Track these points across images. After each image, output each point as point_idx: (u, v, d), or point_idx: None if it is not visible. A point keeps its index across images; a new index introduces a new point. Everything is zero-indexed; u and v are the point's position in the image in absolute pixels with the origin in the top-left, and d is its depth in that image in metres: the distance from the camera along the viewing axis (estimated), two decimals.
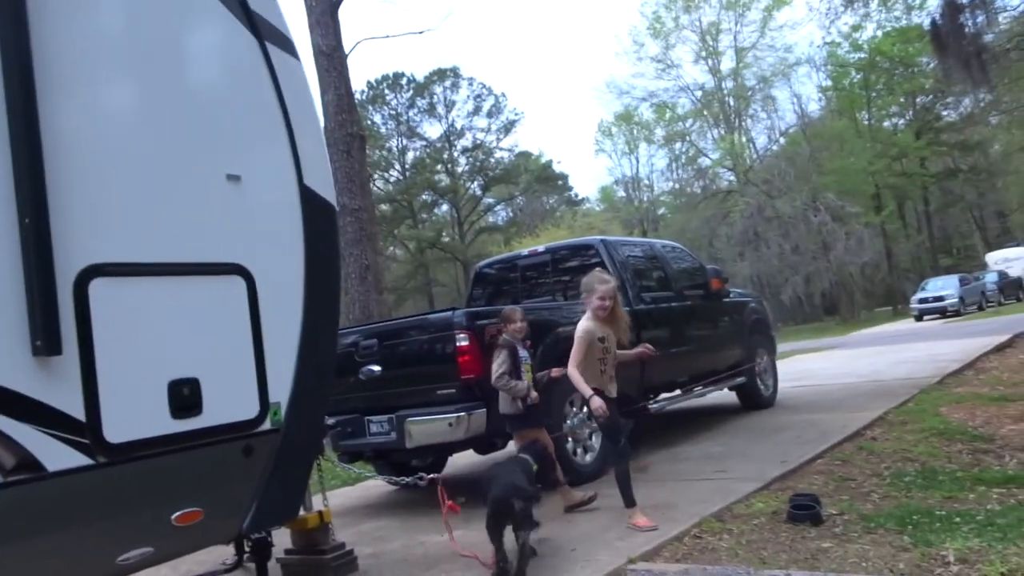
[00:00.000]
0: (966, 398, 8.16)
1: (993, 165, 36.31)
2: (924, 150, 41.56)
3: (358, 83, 50.12)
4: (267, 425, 3.45)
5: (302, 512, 4.21)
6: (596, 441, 6.32)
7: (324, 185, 3.92)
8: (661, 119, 46.97)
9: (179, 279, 3.23)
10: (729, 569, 3.89)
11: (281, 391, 3.53)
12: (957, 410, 7.51)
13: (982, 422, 6.90)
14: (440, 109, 50.89)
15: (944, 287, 30.52)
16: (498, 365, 5.20)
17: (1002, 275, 34.04)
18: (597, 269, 5.41)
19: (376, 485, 7.43)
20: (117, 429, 2.91)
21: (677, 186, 48.92)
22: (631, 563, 4.09)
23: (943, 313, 28.93)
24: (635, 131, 49.52)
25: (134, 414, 2.98)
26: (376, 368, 5.86)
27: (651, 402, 7.64)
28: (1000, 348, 12.89)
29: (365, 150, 12.59)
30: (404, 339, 5.98)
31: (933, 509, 4.47)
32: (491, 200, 54.40)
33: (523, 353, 5.34)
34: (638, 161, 51.41)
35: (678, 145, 46.84)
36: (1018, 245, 37.88)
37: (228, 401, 3.30)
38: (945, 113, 38.43)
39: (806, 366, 13.80)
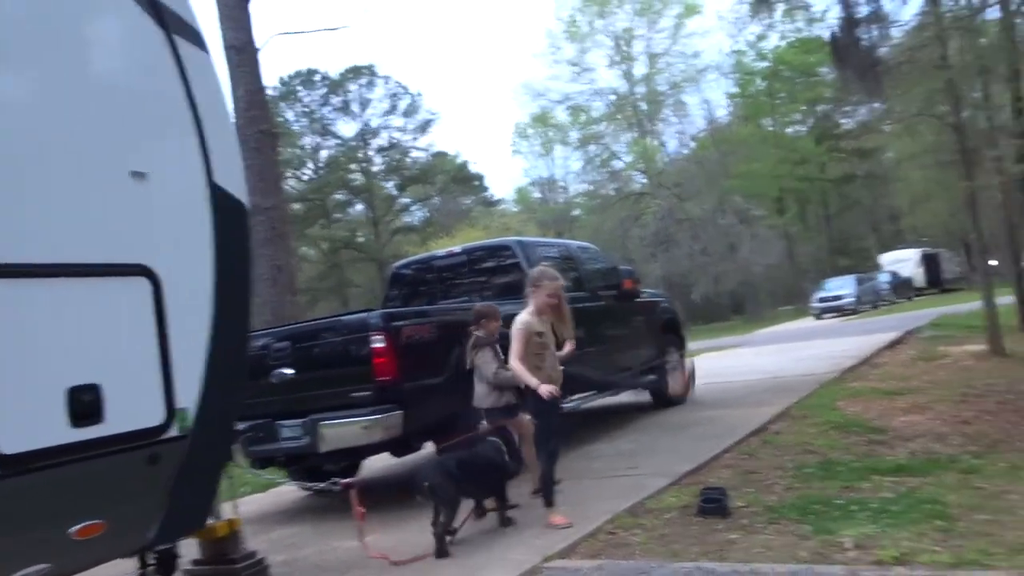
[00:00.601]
0: (862, 392, 8.59)
1: (886, 171, 38.25)
2: (824, 156, 43.53)
3: (270, 79, 48.75)
4: (174, 432, 3.34)
5: (211, 521, 4.09)
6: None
7: (235, 183, 3.82)
8: (576, 122, 47.55)
9: (78, 280, 3.09)
10: (642, 563, 3.99)
11: (189, 396, 3.42)
12: (853, 404, 7.90)
13: (876, 415, 7.28)
14: (355, 107, 50.15)
15: (842, 287, 32.01)
16: (488, 361, 5.28)
17: (894, 275, 35.98)
18: (546, 264, 5.33)
19: (289, 491, 7.28)
20: (11, 439, 2.76)
21: (591, 188, 49.58)
22: (547, 561, 4.14)
23: (841, 312, 30.33)
24: (551, 133, 49.97)
25: (30, 423, 2.83)
26: (289, 371, 5.75)
27: (565, 402, 7.74)
28: (892, 344, 13.62)
29: (277, 148, 12.29)
30: (318, 341, 5.88)
31: (832, 498, 4.69)
32: (407, 200, 53.95)
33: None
34: (553, 163, 51.93)
35: (592, 148, 47.51)
36: (909, 247, 40.14)
37: (132, 408, 3.18)
38: (843, 121, 40.24)
39: (714, 364, 14.24)
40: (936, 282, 37.91)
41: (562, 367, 5.12)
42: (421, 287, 8.16)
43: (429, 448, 6.36)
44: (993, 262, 18.05)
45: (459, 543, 4.67)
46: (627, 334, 8.52)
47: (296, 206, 46.63)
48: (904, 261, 38.18)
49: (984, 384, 8.28)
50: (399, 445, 6.05)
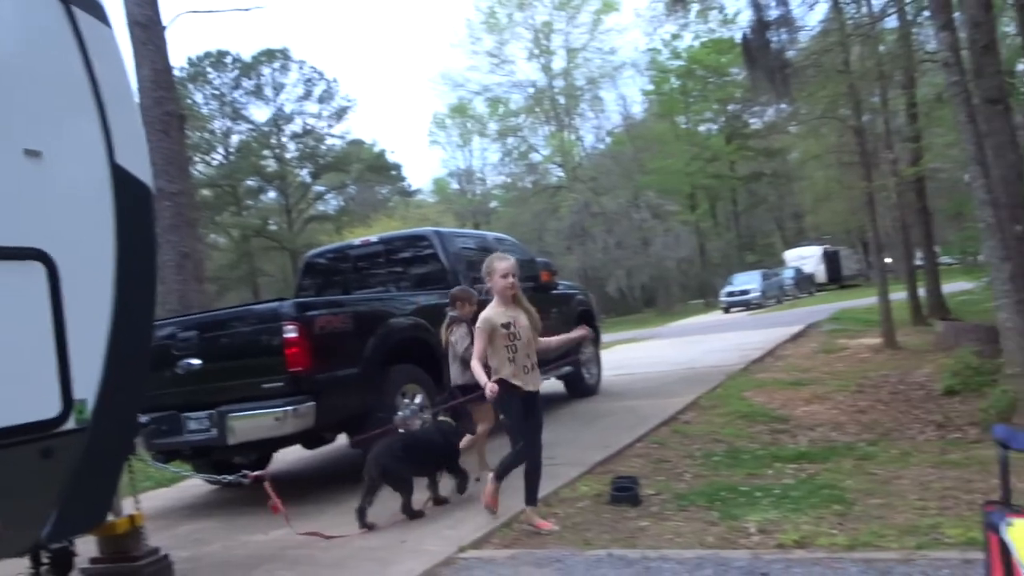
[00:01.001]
0: (766, 383, 8.92)
1: (791, 171, 39.77)
2: (734, 154, 44.90)
3: (178, 59, 46.98)
4: (71, 424, 3.17)
5: (110, 517, 3.91)
6: None
7: (139, 165, 3.65)
8: (495, 113, 47.61)
9: None
10: (555, 552, 4.03)
11: (87, 387, 3.25)
12: (759, 394, 8.19)
13: (779, 404, 7.57)
14: (268, 92, 48.71)
15: (749, 282, 33.14)
16: (462, 337, 5.44)
17: (798, 271, 37.48)
18: (496, 252, 5.09)
19: (194, 485, 7.04)
20: None
21: (509, 180, 49.78)
22: (462, 551, 4.13)
23: (748, 306, 31.40)
24: (469, 124, 49.88)
25: None
26: (195, 361, 5.55)
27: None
28: (795, 337, 14.18)
29: (184, 130, 11.82)
30: (227, 331, 5.70)
31: (738, 485, 4.85)
32: (322, 188, 52.87)
33: None
34: (472, 154, 51.86)
35: (511, 140, 47.69)
36: (811, 244, 41.88)
37: (24, 399, 3.00)
38: (752, 121, 41.64)
39: (627, 355, 14.53)
40: (836, 278, 39.69)
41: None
42: (336, 277, 8.02)
43: (342, 440, 6.27)
44: (888, 259, 19.04)
45: (371, 533, 4.62)
46: (543, 326, 8.57)
47: (205, 192, 45.07)
48: (807, 258, 39.80)
49: (879, 375, 8.71)
50: (311, 437, 5.93)
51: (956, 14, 6.40)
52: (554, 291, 8.93)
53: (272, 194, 51.57)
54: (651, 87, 45.68)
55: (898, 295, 13.73)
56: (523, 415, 4.46)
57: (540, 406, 4.61)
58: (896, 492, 4.42)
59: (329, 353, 5.57)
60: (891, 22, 12.32)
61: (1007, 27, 9.67)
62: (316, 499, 5.73)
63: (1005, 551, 1.52)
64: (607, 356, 11.96)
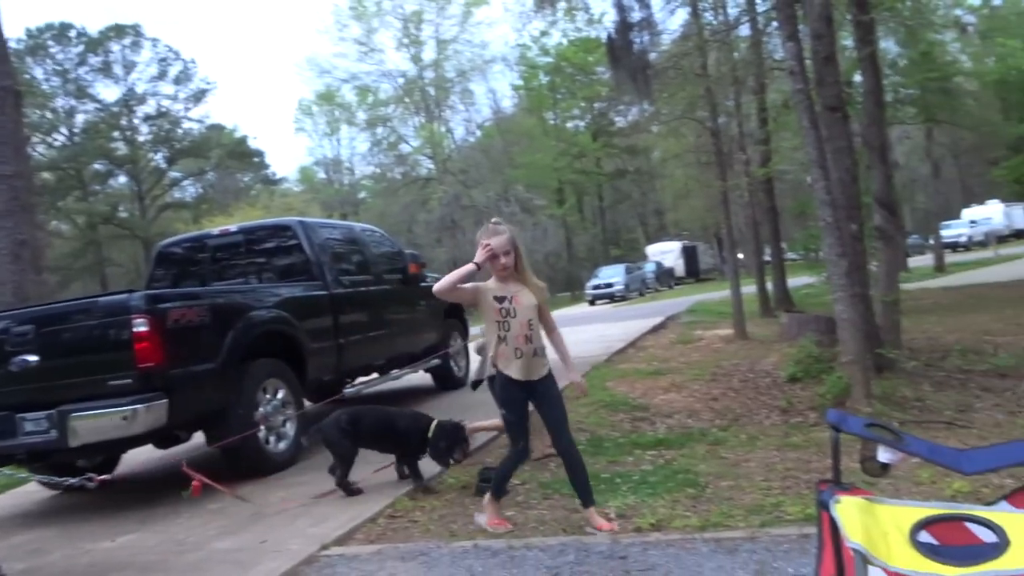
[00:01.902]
0: (628, 373, 9.24)
1: (654, 169, 41.35)
2: (599, 151, 46.18)
3: (14, 30, 43.30)
4: None
5: None
6: (290, 428, 6.15)
7: None
8: (363, 102, 46.78)
9: None
10: (421, 545, 4.02)
11: None
12: (621, 384, 8.47)
13: (640, 393, 7.86)
14: (118, 70, 45.69)
15: (613, 275, 34.25)
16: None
17: (659, 265, 39.09)
18: (490, 223, 4.11)
19: (32, 491, 6.53)
20: None
21: (378, 171, 49.08)
22: (324, 549, 4.05)
23: (612, 298, 32.45)
24: (337, 112, 48.78)
25: None
26: (31, 358, 5.15)
27: (347, 386, 7.62)
28: (655, 329, 14.76)
29: (21, 107, 10.90)
30: (69, 325, 5.30)
31: (600, 472, 5.00)
32: (177, 174, 50.18)
33: None
34: (339, 143, 50.72)
35: (380, 130, 47.04)
36: (671, 240, 43.78)
37: None
38: (617, 119, 42.95)
39: None
40: (694, 272, 41.67)
41: None
42: (192, 268, 7.63)
43: (199, 439, 6.00)
44: (740, 255, 20.17)
45: (229, 535, 4.45)
46: (411, 319, 8.53)
47: (46, 175, 41.77)
48: (667, 252, 41.58)
49: (731, 364, 9.20)
50: (164, 436, 5.63)
51: (801, 26, 6.83)
52: (423, 283, 8.88)
53: (122, 179, 48.47)
54: (520, 82, 46.28)
55: (749, 288, 14.56)
56: (523, 409, 4.02)
57: (555, 394, 4.04)
58: (744, 474, 4.69)
59: (183, 348, 5.30)
60: (745, 30, 13.03)
61: (846, 40, 10.42)
62: (170, 501, 5.44)
63: (834, 526, 1.64)
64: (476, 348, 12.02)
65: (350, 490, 4.95)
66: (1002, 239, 34.37)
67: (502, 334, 3.88)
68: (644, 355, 11.12)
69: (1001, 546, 1.31)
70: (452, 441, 5.07)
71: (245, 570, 3.85)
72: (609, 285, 33.31)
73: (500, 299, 3.88)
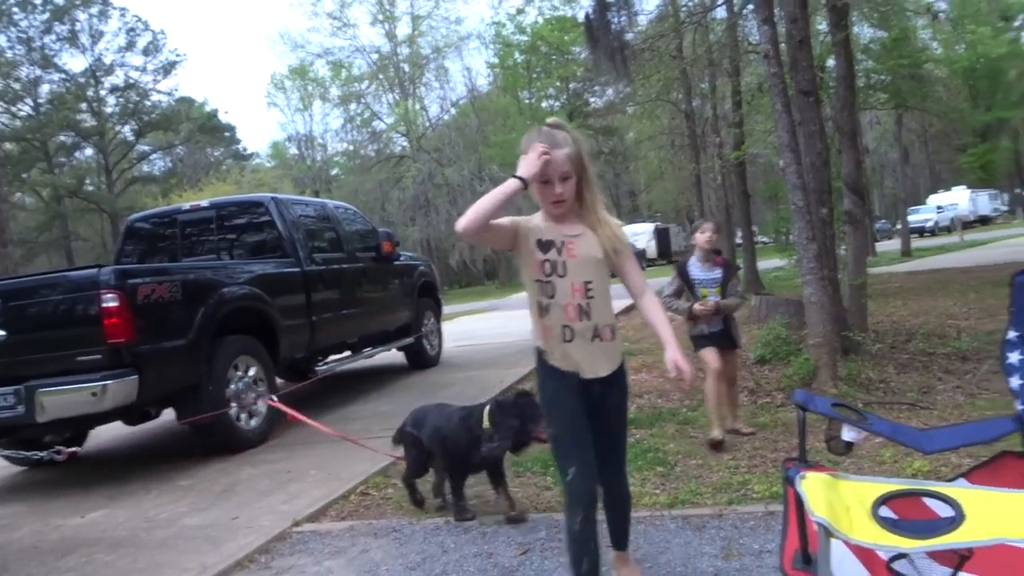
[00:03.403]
0: None
1: (627, 150, 41.43)
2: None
3: None
4: None
5: None
6: (262, 406, 6.13)
7: None
8: (337, 78, 46.19)
9: None
10: (393, 522, 4.05)
11: None
12: None
13: None
14: (84, 39, 44.61)
15: None
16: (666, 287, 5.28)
17: (631, 246, 39.30)
18: (548, 121, 2.71)
19: (0, 466, 6.46)
20: None
21: (351, 147, 48.61)
22: (296, 525, 4.06)
23: None
24: (310, 87, 48.17)
25: None
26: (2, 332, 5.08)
27: (320, 364, 7.60)
28: (628, 309, 14.86)
29: None
30: (37, 299, 5.22)
31: None
32: (146, 147, 49.27)
33: (701, 274, 5.16)
34: (312, 118, 50.19)
35: (353, 106, 46.49)
36: (644, 221, 43.98)
37: None
38: (592, 100, 42.90)
39: (469, 327, 14.68)
40: (666, 254, 41.94)
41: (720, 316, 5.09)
42: (162, 243, 7.54)
43: (169, 416, 5.96)
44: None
45: (200, 511, 4.44)
46: (384, 297, 8.51)
47: (8, 146, 40.84)
48: (640, 234, 41.75)
49: None
50: (133, 413, 5.59)
51: (777, 9, 6.87)
52: (396, 262, 8.86)
53: (89, 152, 47.50)
54: (496, 61, 45.96)
55: None
56: (573, 419, 2.59)
57: (620, 402, 2.75)
58: (712, 453, 4.77)
59: (153, 324, 5.26)
60: (721, 13, 13.06)
61: (820, 25, 10.50)
62: (141, 477, 5.42)
63: (799, 502, 1.69)
64: (449, 327, 12.04)
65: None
66: (967, 225, 34.99)
67: (543, 301, 2.55)
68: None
69: (957, 520, 1.36)
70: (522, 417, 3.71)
71: (216, 546, 3.85)
72: None
73: (546, 245, 2.55)
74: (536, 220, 2.61)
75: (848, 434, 2.28)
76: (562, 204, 2.54)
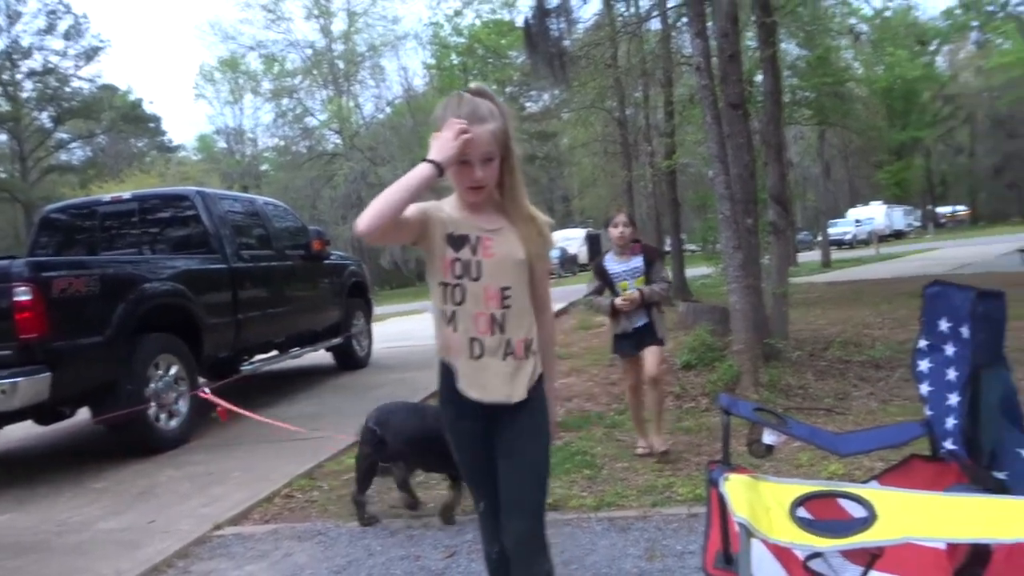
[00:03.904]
0: None
1: (562, 155, 41.77)
2: None
3: None
4: None
5: None
6: (183, 405, 5.95)
7: None
8: (269, 71, 45.17)
9: None
10: (319, 524, 3.99)
11: None
12: None
13: None
14: (0, 20, 42.56)
15: None
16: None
17: (563, 251, 39.64)
18: (470, 86, 2.38)
19: None
20: None
21: (283, 143, 47.63)
22: (217, 529, 3.96)
23: None
24: (241, 80, 46.99)
25: None
26: None
27: (245, 363, 7.43)
28: (558, 314, 15.00)
29: None
30: None
31: None
32: (65, 135, 47.23)
33: (618, 267, 4.80)
34: (242, 112, 48.91)
35: (285, 101, 45.53)
36: (577, 227, 44.44)
37: None
38: (528, 104, 43.11)
39: (399, 328, 14.56)
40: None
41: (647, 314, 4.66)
42: (79, 236, 7.25)
43: (84, 415, 5.74)
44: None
45: (115, 514, 4.28)
46: (313, 296, 8.38)
47: None
48: (572, 240, 42.19)
49: None
50: (45, 412, 5.36)
51: (709, 23, 7.04)
52: (326, 261, 8.73)
53: (2, 137, 45.27)
54: (432, 61, 45.79)
55: None
56: (474, 453, 2.22)
57: (534, 438, 2.18)
58: (638, 457, 4.85)
59: (69, 319, 5.05)
60: (656, 24, 13.31)
61: (751, 41, 10.80)
62: (52, 479, 5.20)
63: (722, 502, 1.73)
64: (379, 329, 11.92)
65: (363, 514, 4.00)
66: (883, 238, 36.52)
67: (449, 308, 2.11)
68: None
69: (869, 520, 1.42)
70: None
71: (132, 551, 3.72)
72: None
73: (458, 241, 2.09)
74: (447, 208, 2.14)
75: (769, 437, 2.35)
76: (481, 191, 2.09)
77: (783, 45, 12.12)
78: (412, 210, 2.04)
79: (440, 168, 1.99)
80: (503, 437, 2.15)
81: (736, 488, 1.56)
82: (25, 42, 43.25)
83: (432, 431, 3.64)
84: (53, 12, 43.69)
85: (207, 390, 5.77)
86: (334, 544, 3.70)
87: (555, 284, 29.98)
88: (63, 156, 48.02)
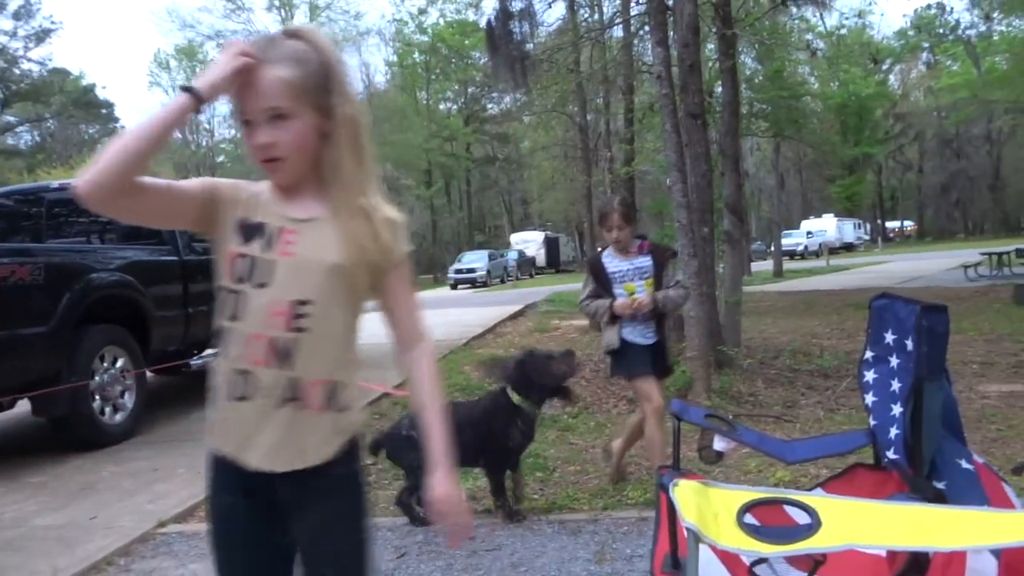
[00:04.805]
0: (485, 358, 9.35)
1: (522, 158, 41.91)
2: (470, 136, 46.26)
3: None
4: None
5: None
6: (128, 399, 5.81)
7: None
8: None
9: None
10: None
11: None
12: (478, 369, 8.56)
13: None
14: None
15: (476, 261, 34.50)
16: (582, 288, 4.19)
17: (521, 254, 39.74)
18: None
19: None
20: None
21: (238, 135, 46.95)
22: (161, 526, 3.87)
23: (474, 283, 32.68)
24: (198, 69, 46.15)
25: None
26: None
27: (195, 358, 7.29)
28: (515, 316, 15.01)
29: None
30: None
31: None
32: (12, 119, 45.89)
33: (621, 265, 3.99)
34: None
35: None
36: (535, 230, 44.59)
37: None
38: (489, 106, 43.18)
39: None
40: (555, 263, 42.66)
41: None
42: (24, 223, 7.04)
43: (24, 407, 5.57)
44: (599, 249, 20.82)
45: (53, 511, 4.16)
46: None
47: None
48: (530, 242, 42.34)
49: (584, 354, 9.50)
50: None
51: (671, 33, 7.13)
52: None
53: None
54: (395, 59, 45.56)
55: None
56: (230, 552, 1.56)
57: (334, 529, 1.55)
58: (590, 460, 4.87)
59: (10, 308, 4.89)
60: (618, 31, 13.41)
61: (711, 52, 10.95)
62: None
63: (672, 507, 1.75)
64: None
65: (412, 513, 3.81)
66: (833, 251, 37.34)
67: (224, 324, 1.51)
68: (502, 341, 11.28)
69: (814, 527, 1.45)
70: (546, 377, 3.73)
71: (71, 548, 3.62)
72: (472, 271, 33.52)
73: (251, 230, 1.51)
74: (257, 189, 1.56)
75: (719, 443, 2.38)
76: (276, 165, 1.49)
77: (742, 58, 12.33)
78: (195, 184, 1.53)
79: (198, 97, 1.40)
80: (296, 530, 1.51)
81: (685, 494, 1.58)
82: None
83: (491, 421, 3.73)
84: None
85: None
86: None
87: (513, 286, 30.11)
88: (10, 140, 46.68)
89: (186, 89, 1.40)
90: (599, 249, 4.19)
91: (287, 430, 1.46)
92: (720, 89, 9.00)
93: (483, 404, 3.91)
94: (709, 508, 1.55)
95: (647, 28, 9.22)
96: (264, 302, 1.45)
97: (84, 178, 1.31)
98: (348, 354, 1.55)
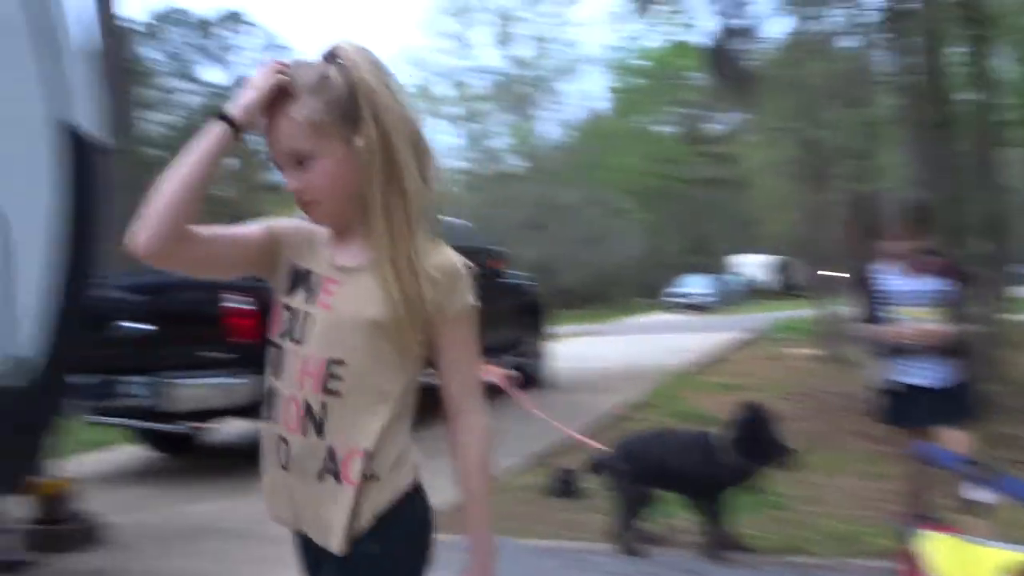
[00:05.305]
0: (705, 386, 9.08)
1: (743, 178, 40.43)
2: (690, 157, 45.46)
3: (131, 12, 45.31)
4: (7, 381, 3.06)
5: (38, 479, 3.81)
6: None
7: (84, 117, 3.49)
8: (463, 97, 47.36)
9: None
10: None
11: (11, 344, 3.13)
12: (696, 396, 8.34)
13: (714, 407, 7.69)
14: (226, 55, 47.44)
15: (698, 284, 33.68)
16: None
17: (748, 278, 38.21)
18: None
19: (134, 451, 6.86)
20: None
21: (469, 165, 49.64)
22: None
23: (698, 308, 31.87)
24: (425, 104, 49.55)
25: None
26: (144, 326, 5.40)
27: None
28: (741, 342, 14.46)
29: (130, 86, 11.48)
30: (172, 295, 5.55)
31: None
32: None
33: (901, 285, 3.30)
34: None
35: (474, 126, 47.53)
36: (760, 252, 42.73)
37: None
38: (711, 126, 42.22)
39: (574, 350, 14.59)
40: (788, 287, 40.55)
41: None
42: None
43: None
44: (833, 273, 19.52)
45: None
46: (486, 314, 8.50)
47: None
48: (753, 265, 40.59)
49: (807, 385, 8.93)
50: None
51: (909, 39, 6.57)
52: (499, 280, 8.89)
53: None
54: (614, 84, 46.01)
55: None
56: None
57: None
58: (826, 498, 4.56)
59: None
60: (847, 41, 12.59)
61: (956, 55, 9.95)
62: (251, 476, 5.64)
63: (919, 560, 1.58)
64: (555, 349, 12.02)
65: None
66: None
67: (269, 382, 1.41)
68: (726, 368, 10.91)
69: None
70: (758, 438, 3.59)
71: None
72: (695, 295, 32.76)
73: (297, 278, 1.40)
74: (315, 232, 1.42)
75: (975, 493, 2.13)
76: (312, 208, 1.36)
77: (996, 60, 11.05)
78: (257, 228, 1.41)
79: (234, 125, 1.28)
80: None
81: (939, 548, 1.42)
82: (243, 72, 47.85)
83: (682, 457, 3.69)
84: (269, 45, 48.19)
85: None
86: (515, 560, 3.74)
87: (740, 311, 28.90)
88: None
89: (219, 116, 1.28)
90: (874, 263, 3.43)
91: (324, 505, 1.33)
92: (969, 96, 8.12)
93: (694, 440, 3.85)
94: (964, 566, 1.39)
95: (883, 36, 8.59)
96: (298, 361, 1.33)
97: (138, 238, 1.24)
98: (383, 422, 1.33)
